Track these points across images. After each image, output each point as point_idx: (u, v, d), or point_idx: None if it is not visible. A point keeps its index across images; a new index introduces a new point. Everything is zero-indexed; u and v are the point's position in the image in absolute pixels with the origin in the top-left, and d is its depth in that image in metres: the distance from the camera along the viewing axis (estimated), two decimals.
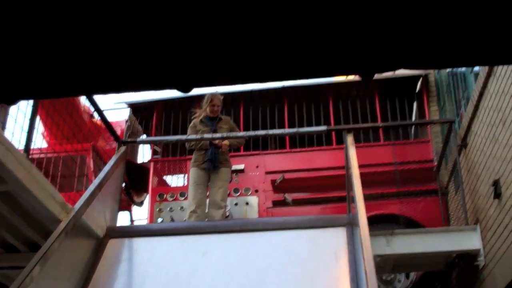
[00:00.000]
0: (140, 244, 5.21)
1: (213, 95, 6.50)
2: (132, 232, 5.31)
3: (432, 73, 8.69)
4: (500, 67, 5.06)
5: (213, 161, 6.15)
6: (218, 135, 5.92)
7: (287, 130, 5.99)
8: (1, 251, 5.15)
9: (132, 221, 9.59)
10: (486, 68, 5.35)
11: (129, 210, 9.73)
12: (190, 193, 6.14)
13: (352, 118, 8.07)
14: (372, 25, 1.48)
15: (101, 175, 5.16)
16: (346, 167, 5.80)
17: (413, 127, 9.09)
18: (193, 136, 5.93)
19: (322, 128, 6.03)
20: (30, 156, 6.57)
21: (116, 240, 5.17)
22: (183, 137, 5.86)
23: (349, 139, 6.03)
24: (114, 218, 5.46)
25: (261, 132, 6.05)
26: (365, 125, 6.66)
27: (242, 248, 5.08)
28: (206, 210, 6.13)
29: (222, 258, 4.94)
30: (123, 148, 5.81)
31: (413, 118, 8.77)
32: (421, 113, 8.64)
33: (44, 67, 1.57)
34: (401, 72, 10.91)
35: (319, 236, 5.20)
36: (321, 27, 1.50)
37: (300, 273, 4.78)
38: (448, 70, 7.83)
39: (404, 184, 7.45)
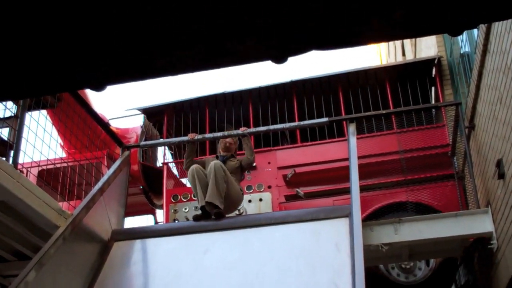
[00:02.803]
0: (145, 245, 5.32)
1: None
2: (137, 233, 5.42)
3: (445, 57, 8.50)
4: (493, 43, 4.93)
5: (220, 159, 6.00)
6: (219, 134, 5.95)
7: (288, 125, 5.95)
8: (14, 259, 5.35)
9: (156, 223, 9.76)
10: (481, 46, 5.22)
11: (153, 213, 9.92)
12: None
13: (363, 107, 7.98)
14: None
15: (103, 179, 5.30)
16: (349, 157, 5.75)
17: (434, 114, 8.89)
18: (195, 136, 5.89)
19: (324, 120, 5.99)
20: (43, 167, 6.77)
21: (121, 243, 5.31)
22: (184, 138, 5.91)
23: (351, 128, 5.98)
24: (120, 221, 5.59)
25: (262, 128, 6.04)
26: (367, 113, 6.55)
27: (244, 244, 5.13)
28: None
29: (223, 255, 5.00)
30: (126, 153, 5.92)
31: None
32: (438, 98, 8.45)
33: None
34: (415, 57, 10.75)
35: (321, 228, 5.18)
36: None
37: (301, 265, 4.78)
38: (460, 52, 7.66)
39: (421, 170, 7.32)
